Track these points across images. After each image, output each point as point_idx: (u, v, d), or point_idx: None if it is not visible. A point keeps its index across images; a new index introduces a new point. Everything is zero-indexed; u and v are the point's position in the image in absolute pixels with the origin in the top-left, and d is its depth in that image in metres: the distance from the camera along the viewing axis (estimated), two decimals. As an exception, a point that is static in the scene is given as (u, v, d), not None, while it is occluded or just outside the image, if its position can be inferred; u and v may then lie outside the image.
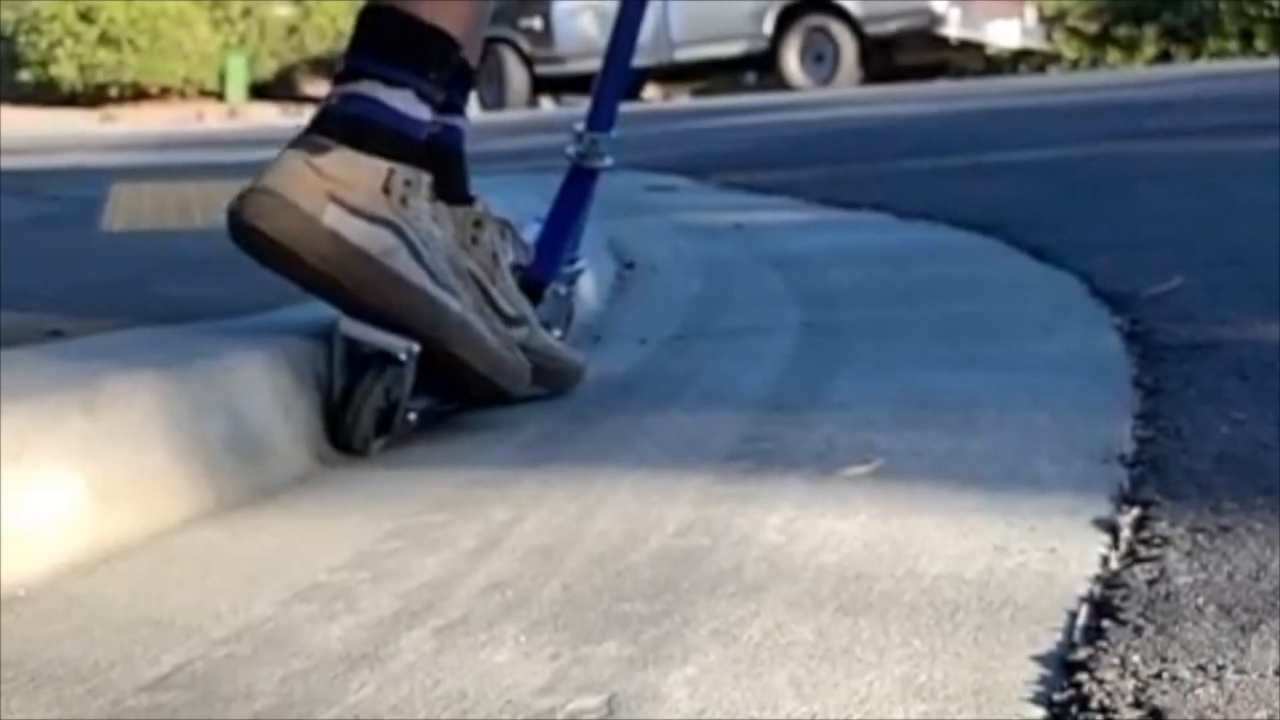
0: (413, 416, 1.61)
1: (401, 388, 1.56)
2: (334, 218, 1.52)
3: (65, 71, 20.96)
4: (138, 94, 20.94)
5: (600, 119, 1.94)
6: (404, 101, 1.58)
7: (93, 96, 20.84)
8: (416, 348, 1.56)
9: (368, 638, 1.05)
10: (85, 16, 20.79)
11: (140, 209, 4.94)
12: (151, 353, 1.55)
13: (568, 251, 1.97)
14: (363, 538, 1.30)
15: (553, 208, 1.96)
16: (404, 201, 1.57)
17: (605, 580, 1.14)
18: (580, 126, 1.94)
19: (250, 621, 1.09)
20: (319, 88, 22.17)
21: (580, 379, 1.85)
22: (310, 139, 1.56)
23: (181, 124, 17.34)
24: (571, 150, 1.95)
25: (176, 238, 3.83)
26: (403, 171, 1.57)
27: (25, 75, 21.35)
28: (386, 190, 1.55)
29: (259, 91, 21.47)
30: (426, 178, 1.61)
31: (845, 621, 1.02)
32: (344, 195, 1.53)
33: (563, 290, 1.96)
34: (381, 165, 1.56)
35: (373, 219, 1.54)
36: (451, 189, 1.71)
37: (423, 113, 1.60)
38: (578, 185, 1.96)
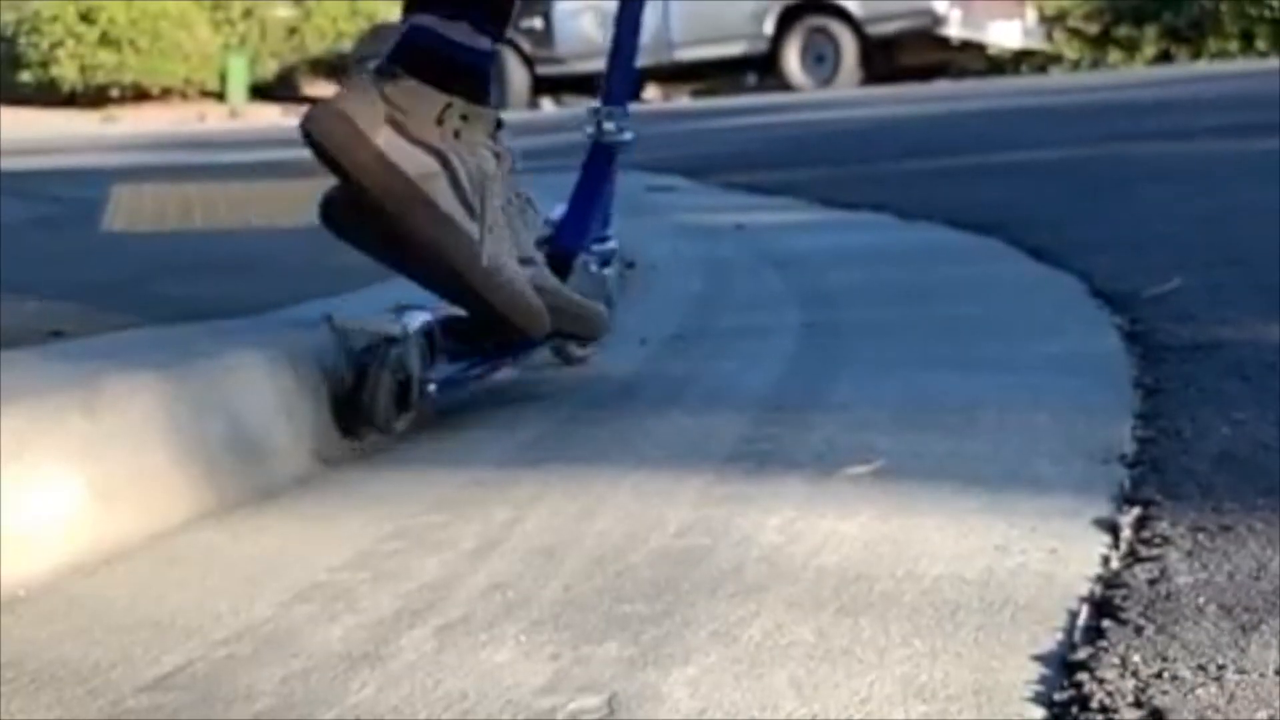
0: (433, 388, 1.65)
1: (410, 363, 1.61)
2: (385, 139, 1.61)
3: (66, 72, 20.96)
4: (138, 95, 20.95)
5: (615, 94, 1.95)
6: (461, 33, 1.67)
7: (93, 97, 20.85)
8: (414, 324, 1.61)
9: (368, 638, 1.05)
10: (86, 17, 20.79)
11: (141, 210, 4.94)
12: (152, 353, 1.55)
13: (596, 230, 1.99)
14: (363, 538, 1.30)
15: (575, 186, 1.98)
16: (457, 134, 1.65)
17: (606, 581, 1.14)
18: (597, 104, 1.95)
19: (251, 622, 1.09)
20: (320, 88, 22.17)
21: (607, 329, 1.90)
22: (385, 65, 1.65)
23: (182, 125, 17.35)
24: (590, 128, 1.96)
25: (177, 238, 3.83)
26: (460, 106, 1.65)
27: (26, 76, 21.35)
28: (440, 121, 1.64)
29: (260, 92, 21.47)
30: (490, 114, 1.69)
31: (846, 622, 1.02)
32: (401, 120, 1.62)
33: (594, 266, 1.97)
34: (439, 98, 1.64)
35: (421, 145, 1.62)
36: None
37: (482, 43, 1.68)
38: (598, 162, 1.98)
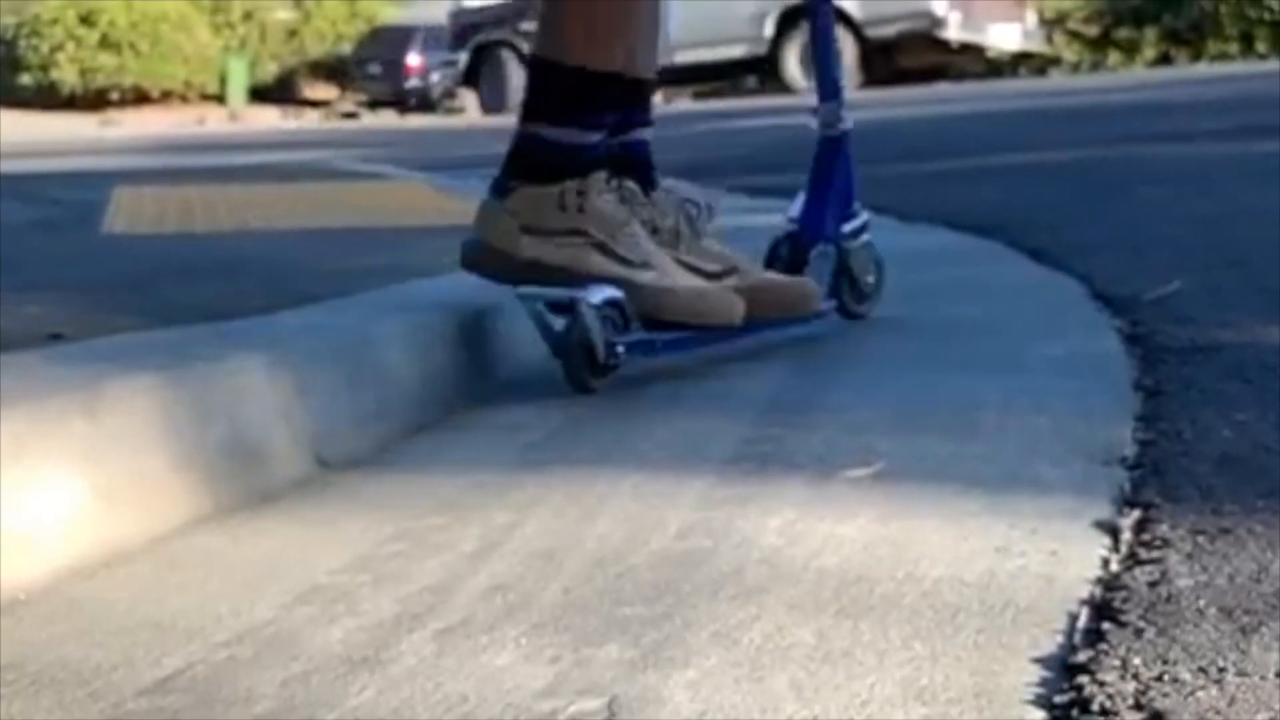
0: (620, 349, 1.82)
1: (593, 331, 1.79)
2: (529, 246, 1.86)
3: (66, 75, 20.96)
4: (138, 98, 20.95)
5: (827, 91, 2.22)
6: (569, 135, 1.88)
7: (93, 100, 20.86)
8: (596, 298, 1.80)
9: (368, 641, 1.05)
10: (86, 20, 20.80)
11: (141, 212, 4.94)
12: (152, 356, 1.55)
13: (837, 213, 2.22)
14: (363, 541, 1.30)
15: (810, 179, 2.23)
16: (581, 208, 1.86)
17: (606, 583, 1.14)
18: (814, 102, 2.22)
19: (251, 625, 1.09)
20: (319, 91, 22.21)
21: (816, 306, 2.11)
22: (500, 183, 1.90)
23: (182, 127, 17.36)
24: (814, 124, 2.21)
25: (177, 241, 3.83)
26: (573, 184, 1.87)
27: (26, 79, 21.35)
28: (562, 206, 1.86)
29: (259, 95, 21.47)
30: (597, 174, 1.88)
31: (846, 624, 1.02)
32: (532, 223, 1.86)
33: (831, 250, 2.19)
34: (552, 189, 1.86)
35: (560, 233, 1.86)
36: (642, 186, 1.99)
37: (590, 138, 1.88)
38: (827, 153, 2.22)
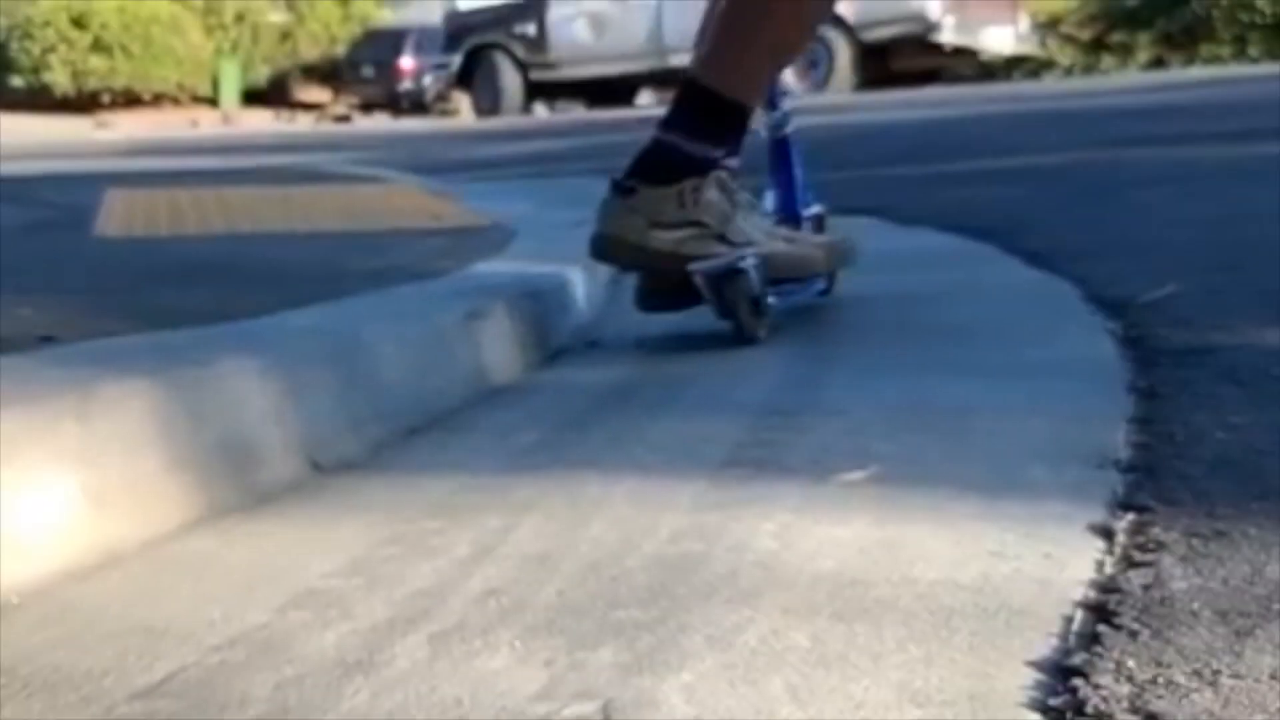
0: (773, 300, 2.18)
1: (752, 287, 2.13)
2: (656, 238, 2.14)
3: (58, 77, 20.93)
4: (130, 100, 20.94)
5: (772, 100, 2.52)
6: (703, 149, 2.18)
7: (85, 102, 20.83)
8: (752, 259, 2.14)
9: (362, 644, 1.04)
10: (78, 22, 20.78)
11: (133, 215, 4.93)
12: (144, 359, 1.54)
13: (800, 201, 2.56)
14: (357, 544, 1.29)
15: (775, 178, 2.57)
16: (696, 201, 2.15)
17: (600, 586, 1.14)
18: (761, 110, 2.43)
19: (244, 628, 1.09)
20: (312, 94, 22.19)
21: (856, 256, 2.58)
22: (623, 184, 2.17)
23: (175, 130, 17.33)
24: (763, 128, 2.49)
25: (170, 244, 3.83)
26: (690, 183, 2.15)
27: (18, 81, 21.31)
28: (682, 203, 2.15)
29: (252, 97, 21.46)
30: (714, 175, 2.17)
31: (840, 628, 1.02)
32: (658, 217, 2.14)
33: (809, 229, 2.53)
34: (673, 189, 2.15)
35: (682, 224, 2.14)
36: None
37: (716, 153, 2.18)
38: (777, 153, 2.57)
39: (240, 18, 21.32)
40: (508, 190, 5.49)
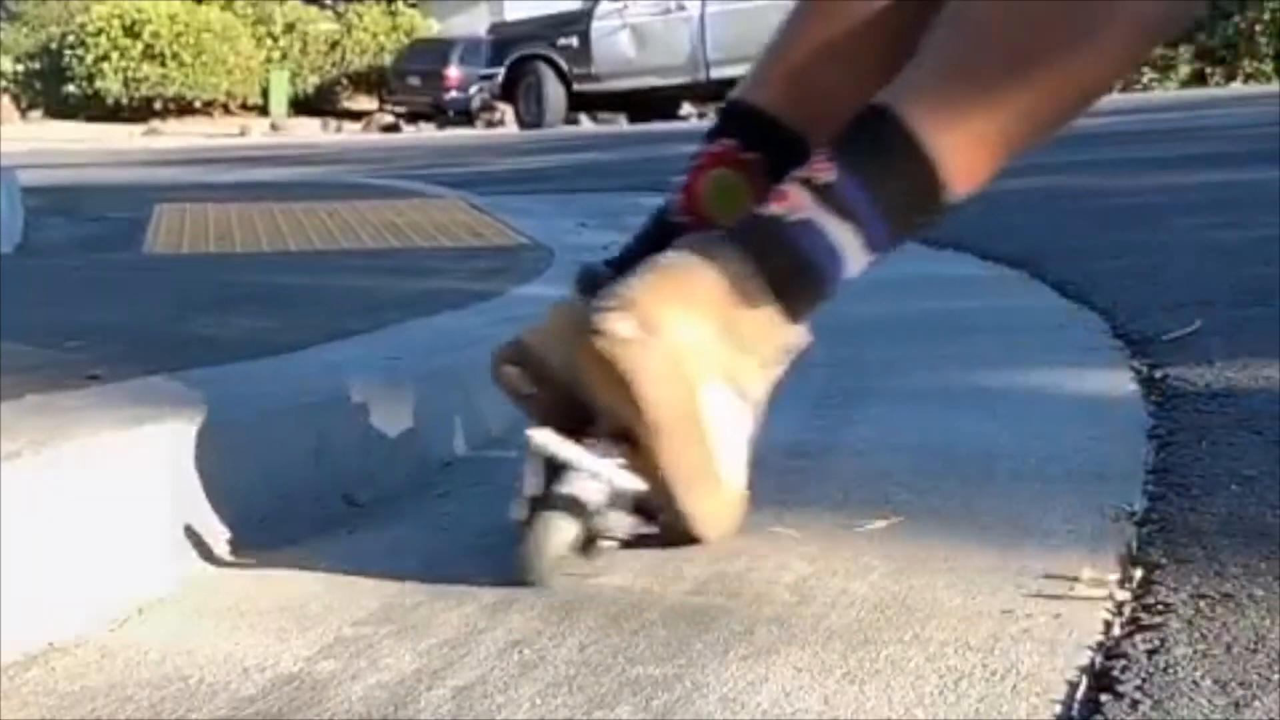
0: (608, 544, 1.34)
1: (607, 518, 1.31)
2: (708, 398, 1.32)
3: (111, 85, 21.17)
4: (182, 108, 21.15)
5: None
6: (856, 249, 1.34)
7: (138, 110, 21.06)
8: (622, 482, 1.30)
9: (389, 698, 1.08)
10: (131, 31, 21.01)
11: (181, 231, 5.01)
12: (187, 397, 1.59)
13: None
14: (388, 589, 1.33)
15: None
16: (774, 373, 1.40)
17: (621, 640, 1.17)
18: None
19: (276, 678, 1.13)
20: (359, 102, 22.38)
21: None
22: (745, 270, 1.28)
23: (224, 138, 17.49)
24: None
25: (215, 263, 3.89)
26: (800, 334, 1.41)
27: (71, 89, 21.57)
28: (767, 364, 1.39)
29: (300, 106, 21.64)
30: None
31: (851, 690, 1.05)
32: (738, 372, 1.34)
33: None
34: (788, 331, 1.38)
35: (744, 397, 1.37)
36: None
37: (859, 268, 1.38)
38: None
39: (290, 27, 21.52)
40: (550, 206, 5.53)
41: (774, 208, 1.26)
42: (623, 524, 1.33)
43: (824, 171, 1.26)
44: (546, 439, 1.28)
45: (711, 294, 1.23)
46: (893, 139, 1.25)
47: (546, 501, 1.27)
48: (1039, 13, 1.25)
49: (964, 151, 1.27)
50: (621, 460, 1.29)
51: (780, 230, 1.25)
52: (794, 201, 1.25)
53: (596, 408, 1.30)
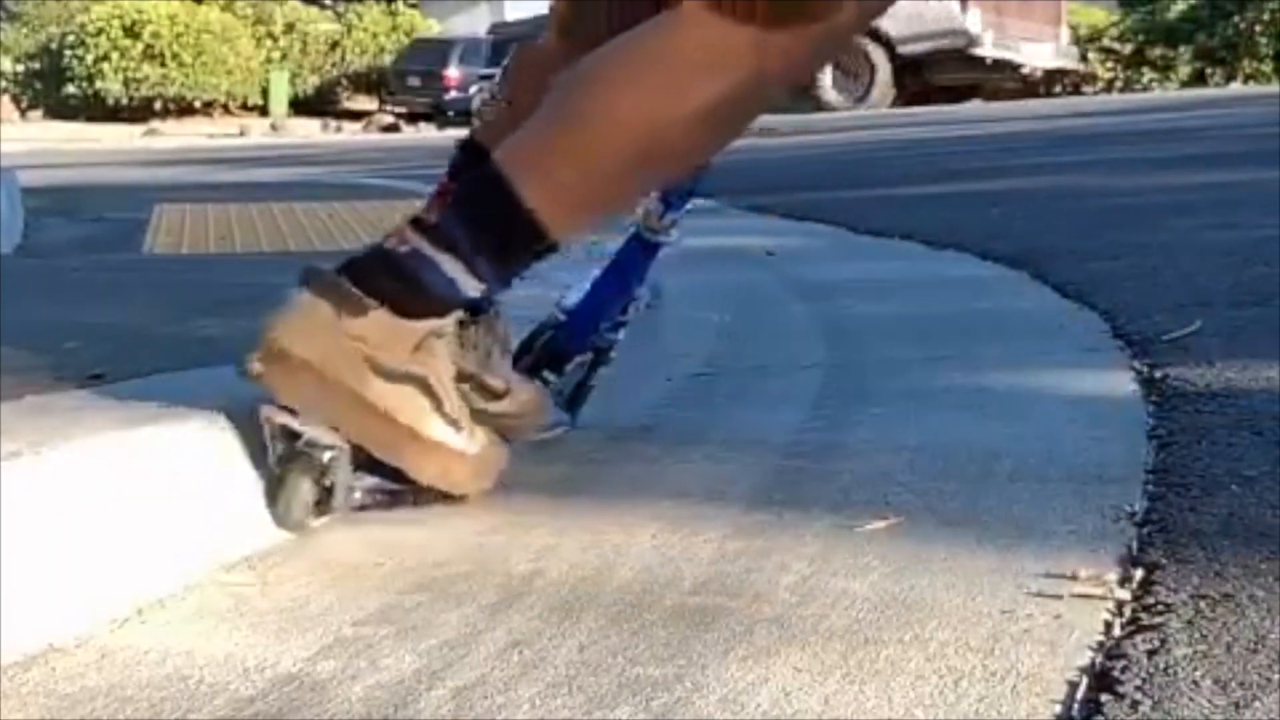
0: (358, 495, 1.55)
1: (336, 474, 1.51)
2: (375, 390, 1.50)
3: (111, 86, 21.16)
4: (182, 108, 21.13)
5: (676, 195, 1.81)
6: (463, 276, 1.51)
7: (138, 110, 21.05)
8: (345, 445, 1.51)
9: (388, 698, 1.08)
10: (130, 31, 21.00)
11: (181, 231, 5.01)
12: (186, 397, 1.59)
13: (613, 317, 1.86)
14: (388, 589, 1.33)
15: (604, 274, 1.86)
16: (430, 350, 1.53)
17: (621, 640, 1.17)
18: (655, 198, 1.80)
19: (276, 679, 1.13)
20: (359, 102, 22.39)
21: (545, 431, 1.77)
22: (349, 293, 1.50)
23: (224, 138, 17.48)
24: (640, 218, 1.82)
25: (215, 264, 3.89)
26: (435, 325, 1.53)
27: (71, 89, 21.55)
28: (418, 348, 1.52)
29: (300, 106, 21.63)
30: (452, 319, 1.55)
31: (851, 690, 1.05)
32: (378, 358, 1.50)
33: (597, 353, 1.86)
34: (420, 327, 1.52)
35: (401, 378, 1.51)
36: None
37: (475, 290, 1.52)
38: (637, 256, 1.84)
39: (290, 28, 21.52)
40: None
41: (389, 242, 1.54)
42: (363, 483, 1.56)
43: (434, 213, 1.54)
44: (273, 413, 1.51)
45: (323, 317, 1.51)
46: (491, 185, 1.50)
47: (288, 464, 1.50)
48: (595, 77, 1.49)
49: (556, 200, 1.49)
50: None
51: (388, 258, 1.53)
52: (404, 236, 1.52)
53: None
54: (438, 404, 1.53)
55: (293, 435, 1.50)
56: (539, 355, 1.82)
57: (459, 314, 1.56)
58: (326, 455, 1.50)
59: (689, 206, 1.84)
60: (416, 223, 1.52)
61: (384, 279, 1.51)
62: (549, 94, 1.50)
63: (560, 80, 1.50)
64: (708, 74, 1.44)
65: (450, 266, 1.50)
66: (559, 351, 1.82)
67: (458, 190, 1.56)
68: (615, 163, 1.48)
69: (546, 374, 1.81)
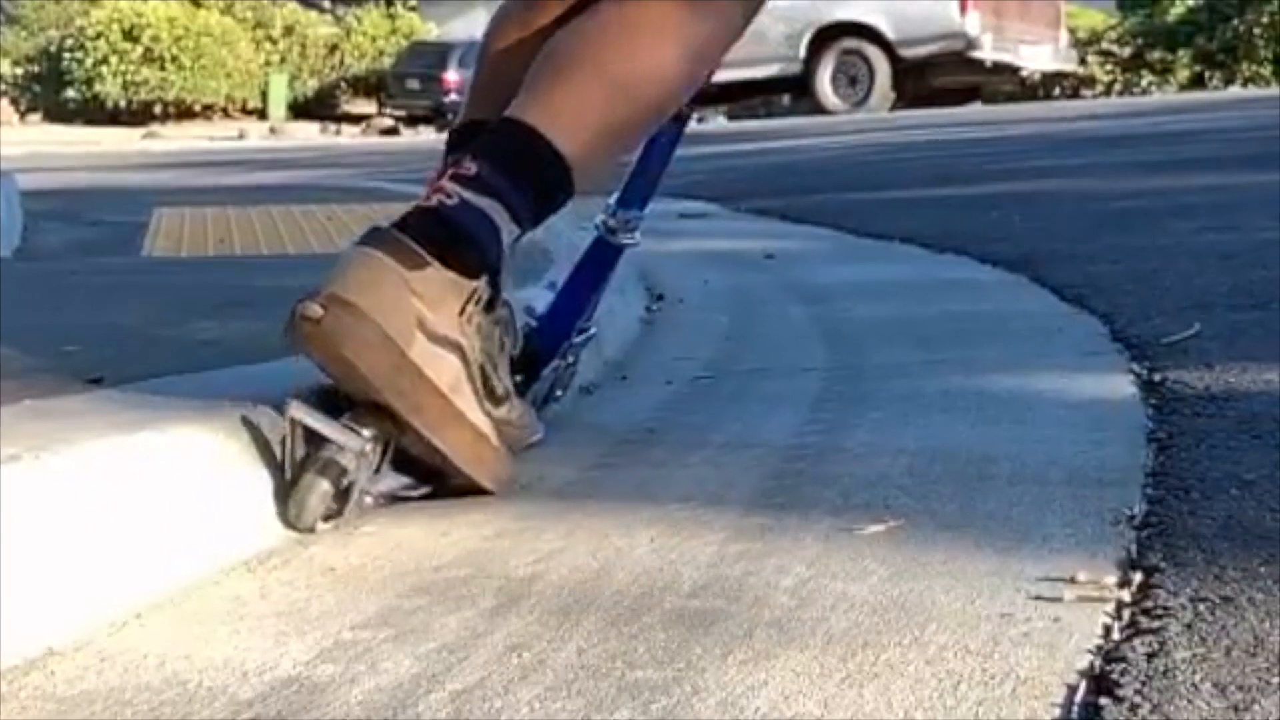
0: (369, 500, 1.56)
1: (356, 477, 1.50)
2: (420, 351, 1.51)
3: (110, 89, 21.16)
4: (181, 111, 21.15)
5: (632, 196, 1.90)
6: (507, 223, 1.57)
7: (137, 113, 21.05)
8: (369, 446, 1.51)
9: (387, 702, 1.08)
10: (130, 35, 21.00)
11: (180, 234, 5.01)
12: (188, 401, 1.59)
13: (580, 322, 1.90)
14: (388, 592, 1.33)
15: (571, 278, 1.91)
16: (470, 318, 1.56)
17: (620, 644, 1.17)
18: (613, 200, 1.89)
19: (275, 682, 1.13)
20: (358, 105, 22.40)
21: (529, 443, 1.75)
22: (411, 249, 1.52)
23: (223, 141, 17.50)
24: (599, 221, 1.90)
25: (214, 268, 3.89)
26: (481, 288, 1.56)
27: (70, 92, 21.56)
28: (463, 312, 1.55)
29: (299, 109, 21.64)
30: (485, 283, 1.58)
31: (850, 693, 1.05)
32: (428, 320, 1.51)
33: (568, 359, 1.90)
34: (468, 285, 1.54)
35: (445, 343, 1.53)
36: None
37: (512, 235, 1.59)
38: (601, 258, 1.91)
39: (289, 31, 21.53)
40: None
41: (432, 200, 1.57)
42: (386, 484, 1.57)
43: (469, 167, 1.59)
44: (300, 411, 1.48)
45: (388, 270, 1.51)
46: (516, 132, 1.60)
47: (306, 464, 1.48)
48: (594, 30, 1.64)
49: (576, 133, 1.60)
50: (370, 430, 1.51)
51: (438, 213, 1.56)
52: (447, 190, 1.57)
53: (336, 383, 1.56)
54: (471, 375, 1.55)
55: (316, 438, 1.47)
56: (513, 362, 1.77)
57: (488, 288, 1.57)
58: (349, 458, 1.48)
59: (648, 210, 1.91)
60: (455, 178, 1.57)
61: (439, 231, 1.54)
62: (544, 54, 1.64)
63: (557, 39, 1.65)
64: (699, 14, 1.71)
65: (496, 214, 1.56)
66: (534, 356, 1.82)
67: (484, 146, 1.61)
68: (629, 98, 1.65)
69: (519, 379, 1.77)
